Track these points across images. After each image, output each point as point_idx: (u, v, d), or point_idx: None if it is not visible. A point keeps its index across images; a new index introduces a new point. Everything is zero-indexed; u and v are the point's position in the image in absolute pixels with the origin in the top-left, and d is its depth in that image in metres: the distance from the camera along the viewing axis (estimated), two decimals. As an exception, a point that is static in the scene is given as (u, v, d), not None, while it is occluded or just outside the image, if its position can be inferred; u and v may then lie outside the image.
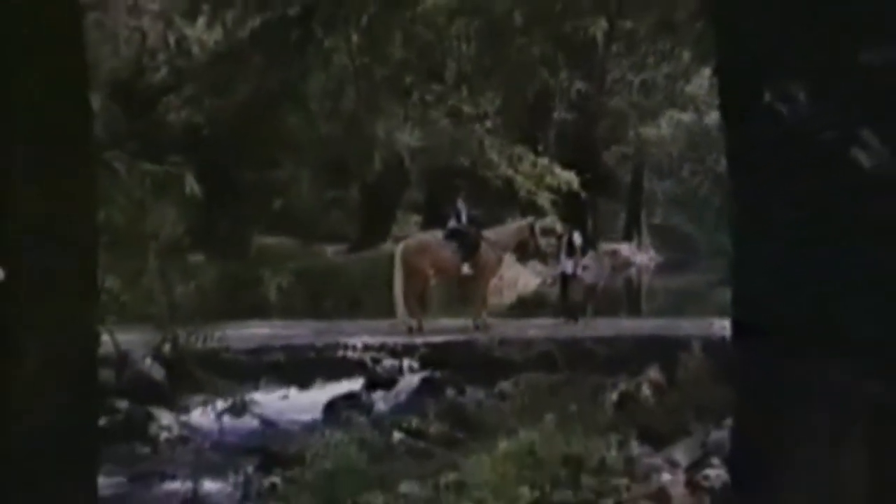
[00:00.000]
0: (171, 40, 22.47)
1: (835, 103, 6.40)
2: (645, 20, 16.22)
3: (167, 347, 18.51)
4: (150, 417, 16.71)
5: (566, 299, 24.64)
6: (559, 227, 24.14)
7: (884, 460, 6.31)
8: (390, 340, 20.16)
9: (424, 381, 18.36)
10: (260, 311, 23.91)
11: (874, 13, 6.40)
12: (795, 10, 6.53)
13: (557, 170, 25.75)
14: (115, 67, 21.89)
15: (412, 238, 24.20)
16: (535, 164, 25.42)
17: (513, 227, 23.13)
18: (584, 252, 25.84)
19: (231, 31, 16.01)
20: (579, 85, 26.85)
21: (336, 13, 13.41)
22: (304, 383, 18.40)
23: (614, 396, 14.89)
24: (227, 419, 17.05)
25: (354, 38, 13.97)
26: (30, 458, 4.28)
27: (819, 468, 6.41)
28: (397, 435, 15.10)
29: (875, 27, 6.41)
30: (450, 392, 17.73)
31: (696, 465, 9.86)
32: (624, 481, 9.96)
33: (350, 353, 19.76)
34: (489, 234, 22.10)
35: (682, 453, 10.44)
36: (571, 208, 26.05)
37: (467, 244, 21.49)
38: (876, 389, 6.37)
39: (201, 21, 18.31)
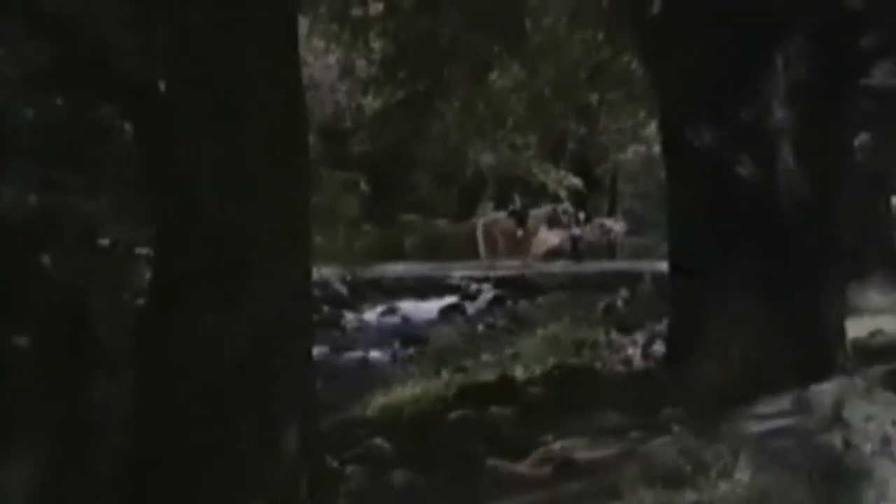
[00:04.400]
0: (353, 105, 22.57)
1: (726, 141, 6.38)
2: (619, 93, 16.28)
3: (350, 277, 18.58)
4: (341, 316, 16.95)
5: (575, 250, 24.68)
6: (571, 210, 24.00)
7: (759, 346, 6.28)
8: (476, 273, 20.20)
9: (495, 297, 18.38)
10: (401, 257, 23.94)
11: (747, 89, 6.36)
12: (703, 90, 6.50)
13: (570, 177, 25.53)
14: (320, 120, 21.93)
15: (489, 216, 24.25)
16: (557, 174, 25.20)
17: (545, 209, 23.11)
18: (585, 223, 25.71)
19: (386, 100, 16.20)
20: (582, 130, 26.55)
21: (446, 91, 13.47)
22: (426, 297, 18.46)
23: (602, 306, 14.79)
24: (383, 317, 17.23)
25: (455, 104, 14.03)
26: (273, 340, 4.36)
27: (716, 343, 6.39)
28: (479, 327, 15.15)
29: (749, 99, 6.37)
30: (509, 303, 17.74)
31: (648, 344, 9.84)
32: (607, 353, 9.97)
33: (453, 281, 19.80)
34: (533, 213, 22.13)
35: (640, 337, 10.41)
36: (578, 199, 25.79)
37: (520, 219, 21.52)
38: (751, 305, 6.34)
39: (370, 96, 18.61)
